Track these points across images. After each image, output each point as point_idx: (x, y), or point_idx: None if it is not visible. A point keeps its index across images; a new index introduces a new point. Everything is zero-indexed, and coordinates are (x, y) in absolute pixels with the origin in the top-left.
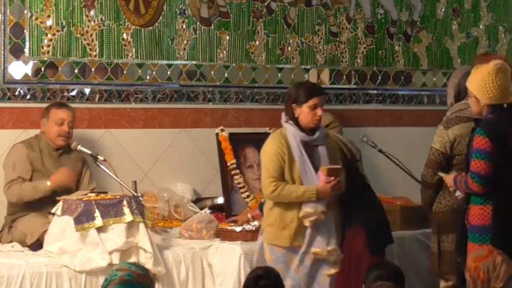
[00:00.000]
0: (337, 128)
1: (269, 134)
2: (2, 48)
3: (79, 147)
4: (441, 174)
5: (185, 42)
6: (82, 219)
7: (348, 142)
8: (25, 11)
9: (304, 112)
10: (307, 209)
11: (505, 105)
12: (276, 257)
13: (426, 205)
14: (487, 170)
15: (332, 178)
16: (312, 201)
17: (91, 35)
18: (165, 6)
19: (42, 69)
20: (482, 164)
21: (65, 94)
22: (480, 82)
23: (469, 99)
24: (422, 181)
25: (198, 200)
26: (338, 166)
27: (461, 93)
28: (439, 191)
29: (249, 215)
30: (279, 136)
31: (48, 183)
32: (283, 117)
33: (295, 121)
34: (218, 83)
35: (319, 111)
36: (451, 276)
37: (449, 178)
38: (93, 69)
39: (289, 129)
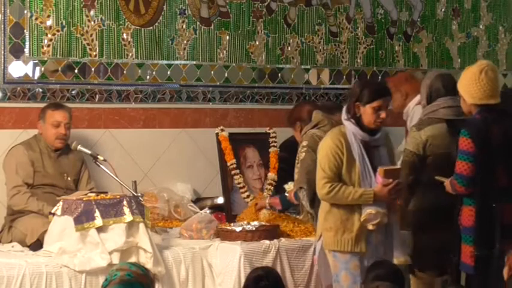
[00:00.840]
0: (325, 127)
1: (269, 134)
2: (2, 48)
3: (79, 147)
4: (440, 178)
5: (185, 42)
6: (82, 219)
7: None
8: (25, 11)
9: (367, 112)
10: (369, 209)
11: (494, 103)
12: (341, 264)
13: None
14: (469, 171)
15: (390, 180)
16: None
17: (91, 35)
18: (165, 6)
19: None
20: (465, 165)
21: (65, 94)
22: (465, 82)
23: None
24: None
25: (198, 200)
26: (396, 167)
27: (433, 95)
28: (413, 191)
29: (267, 201)
30: (337, 134)
31: (50, 216)
32: (344, 114)
33: (357, 120)
34: (218, 83)
35: (383, 114)
36: (427, 272)
37: (447, 183)
38: (93, 69)
39: (350, 127)
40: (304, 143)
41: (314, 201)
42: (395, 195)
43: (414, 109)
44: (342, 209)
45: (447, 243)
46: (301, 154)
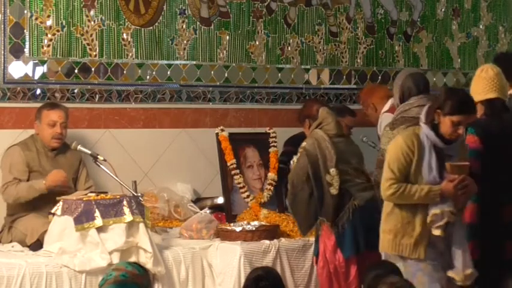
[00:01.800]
0: (329, 126)
1: (269, 134)
2: (2, 48)
3: (79, 147)
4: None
5: (185, 42)
6: (82, 219)
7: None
8: (25, 11)
9: (445, 123)
10: (434, 210)
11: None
12: (410, 269)
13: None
14: (476, 167)
15: (456, 176)
16: (438, 202)
17: (91, 35)
18: (165, 6)
19: (76, 70)
20: (473, 162)
21: (65, 94)
22: (472, 85)
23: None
24: (374, 182)
25: (198, 200)
26: (465, 163)
27: (405, 95)
28: None
29: None
30: (411, 135)
31: (44, 182)
32: (424, 116)
33: (434, 125)
34: (218, 83)
35: (460, 130)
36: None
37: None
38: (93, 69)
39: (425, 130)
40: (303, 144)
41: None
42: (462, 192)
43: (382, 117)
44: (405, 210)
45: None
46: (298, 154)
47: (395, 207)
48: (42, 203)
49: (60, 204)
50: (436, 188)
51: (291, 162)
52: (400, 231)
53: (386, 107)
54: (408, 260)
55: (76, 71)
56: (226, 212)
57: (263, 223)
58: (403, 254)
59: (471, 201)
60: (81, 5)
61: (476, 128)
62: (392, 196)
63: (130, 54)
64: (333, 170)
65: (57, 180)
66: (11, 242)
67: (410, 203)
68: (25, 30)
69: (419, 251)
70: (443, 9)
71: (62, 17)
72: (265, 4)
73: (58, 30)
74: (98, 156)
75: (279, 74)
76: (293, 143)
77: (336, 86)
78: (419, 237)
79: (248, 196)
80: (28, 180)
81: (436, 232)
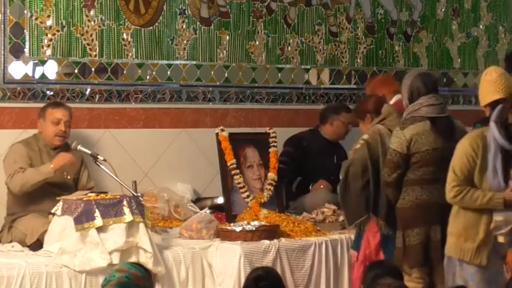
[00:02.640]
0: (392, 122)
1: (269, 134)
2: (2, 48)
3: (79, 147)
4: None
5: (185, 42)
6: (82, 219)
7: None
8: (25, 11)
9: None
10: (497, 217)
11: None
12: (466, 274)
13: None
14: None
15: None
16: (502, 209)
17: (91, 35)
18: (165, 6)
19: (94, 70)
20: None
21: (65, 94)
22: (479, 88)
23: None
24: (382, 181)
25: (198, 200)
26: None
27: (414, 95)
28: (399, 189)
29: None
30: (477, 137)
31: (51, 166)
32: (495, 115)
33: (505, 124)
34: (218, 83)
35: None
36: (414, 269)
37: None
38: (93, 69)
39: (493, 130)
40: (365, 136)
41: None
42: None
43: None
44: (470, 212)
45: (438, 239)
46: (357, 145)
47: (460, 209)
48: (43, 203)
49: (60, 204)
50: (499, 195)
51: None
52: (463, 234)
53: (392, 101)
54: (466, 265)
55: (76, 71)
56: (226, 212)
57: (263, 223)
58: (464, 258)
59: None
60: (81, 5)
61: (484, 124)
62: (455, 199)
63: (130, 54)
64: None
65: (63, 160)
66: (11, 242)
67: (473, 207)
68: (25, 30)
69: (481, 257)
70: (443, 9)
71: (62, 17)
72: (265, 4)
73: (58, 30)
74: (98, 156)
75: (279, 74)
76: (293, 144)
77: (336, 86)
78: (482, 242)
79: (248, 196)
80: None
81: (500, 239)
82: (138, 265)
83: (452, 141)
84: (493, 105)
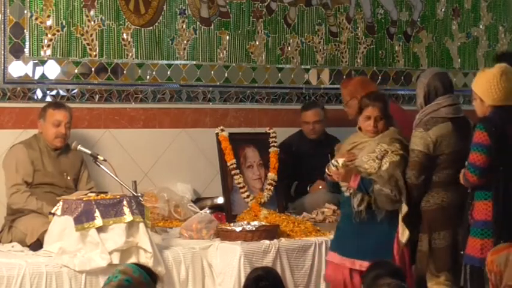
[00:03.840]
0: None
1: (269, 134)
2: (2, 48)
3: (79, 147)
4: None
5: (185, 42)
6: (82, 219)
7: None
8: (25, 11)
9: None
10: None
11: (506, 107)
12: None
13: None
14: (483, 162)
15: None
16: None
17: (91, 35)
18: (165, 6)
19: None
20: (479, 156)
21: (65, 94)
22: (485, 84)
23: (474, 102)
24: (407, 183)
25: (198, 200)
26: None
27: (431, 94)
28: (424, 191)
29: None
30: None
31: (50, 214)
32: None
33: None
34: (218, 83)
35: None
36: (443, 273)
37: (460, 174)
38: (93, 69)
39: None
40: None
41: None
42: None
43: None
44: None
45: (462, 241)
46: None
47: None
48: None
49: (60, 204)
50: None
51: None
52: None
53: None
54: None
55: (76, 71)
56: (226, 212)
57: (263, 223)
58: None
59: (482, 199)
60: (81, 5)
61: (486, 125)
62: None
63: (130, 54)
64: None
65: None
66: (11, 241)
67: None
68: (25, 30)
69: None
70: (443, 9)
71: (62, 17)
72: (265, 4)
73: (58, 30)
74: (98, 156)
75: (279, 74)
76: (283, 150)
77: (336, 86)
78: None
79: (248, 196)
80: (33, 181)
81: None
82: (145, 269)
83: (468, 144)
84: (502, 107)
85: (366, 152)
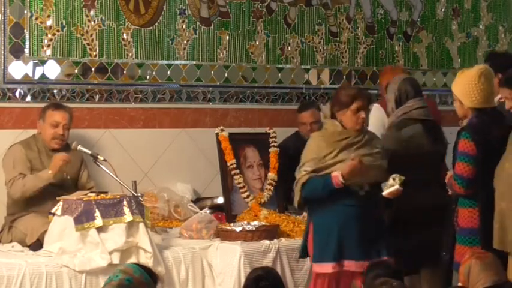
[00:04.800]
0: None
1: (269, 134)
2: (2, 48)
3: (79, 147)
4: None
5: (185, 42)
6: (82, 219)
7: None
8: (25, 11)
9: None
10: None
11: (488, 109)
12: None
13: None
14: (470, 172)
15: None
16: None
17: (91, 35)
18: (165, 6)
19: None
20: (465, 167)
21: (65, 94)
22: (464, 86)
23: (454, 103)
24: None
25: (198, 200)
26: None
27: (402, 97)
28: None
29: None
30: None
31: (50, 171)
32: None
33: None
34: (218, 83)
35: None
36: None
37: (447, 178)
38: (93, 69)
39: None
40: None
41: None
42: None
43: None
44: None
45: (435, 241)
46: None
47: None
48: (43, 203)
49: (60, 204)
50: None
51: None
52: None
53: None
54: None
55: (76, 71)
56: (226, 212)
57: (263, 223)
58: None
59: (467, 206)
60: (81, 5)
61: (471, 133)
62: None
63: (130, 54)
64: None
65: (59, 162)
66: (11, 241)
67: None
68: (25, 30)
69: None
70: (443, 9)
71: (62, 17)
72: (265, 4)
73: (58, 30)
74: (98, 156)
75: (279, 74)
76: (280, 154)
77: (336, 86)
78: None
79: (248, 196)
80: None
81: None
82: (146, 269)
83: (438, 145)
84: (483, 110)
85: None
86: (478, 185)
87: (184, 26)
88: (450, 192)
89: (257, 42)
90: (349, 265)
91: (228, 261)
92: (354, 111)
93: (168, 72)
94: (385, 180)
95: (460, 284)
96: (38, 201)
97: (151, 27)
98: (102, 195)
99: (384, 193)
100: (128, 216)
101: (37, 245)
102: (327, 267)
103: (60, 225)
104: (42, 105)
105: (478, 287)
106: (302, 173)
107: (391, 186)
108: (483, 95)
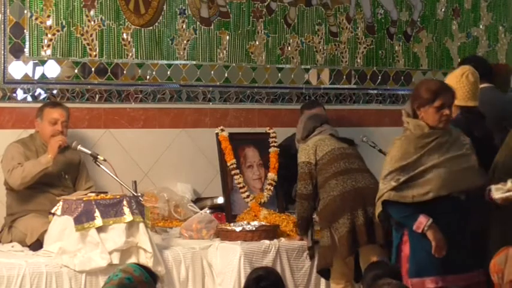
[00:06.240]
0: None
1: (269, 134)
2: (2, 48)
3: (79, 147)
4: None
5: (185, 42)
6: (82, 219)
7: None
8: (25, 11)
9: None
10: None
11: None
12: None
13: (303, 218)
14: None
15: None
16: None
17: (91, 35)
18: (165, 6)
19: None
20: None
21: (65, 94)
22: (449, 85)
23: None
24: (298, 195)
25: (198, 200)
26: None
27: (310, 131)
28: (315, 201)
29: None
30: None
31: (49, 155)
32: None
33: None
34: (218, 83)
35: None
36: (349, 258)
37: None
38: (93, 69)
39: None
40: None
41: None
42: None
43: None
44: None
45: (362, 223)
46: None
47: None
48: (43, 202)
49: (60, 204)
50: None
51: None
52: None
53: None
54: None
55: (76, 71)
56: (226, 212)
57: (263, 223)
58: None
59: None
60: (81, 5)
61: (456, 127)
62: None
63: (130, 54)
64: None
65: (56, 144)
66: (11, 241)
67: None
68: (25, 30)
69: None
70: (443, 9)
71: (62, 17)
72: (265, 4)
73: (58, 30)
74: (98, 156)
75: (279, 74)
76: (281, 154)
77: (336, 86)
78: None
79: (248, 196)
80: None
81: None
82: (146, 269)
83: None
84: (467, 109)
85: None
86: None
87: (184, 26)
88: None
89: (257, 42)
90: (454, 280)
91: (228, 261)
92: (437, 108)
93: (168, 72)
94: (482, 182)
95: (492, 274)
96: (38, 201)
97: (151, 27)
98: (102, 195)
99: (497, 196)
100: (128, 216)
101: (37, 245)
102: (429, 283)
103: (60, 225)
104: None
105: None
106: (392, 184)
107: (509, 190)
108: (465, 92)
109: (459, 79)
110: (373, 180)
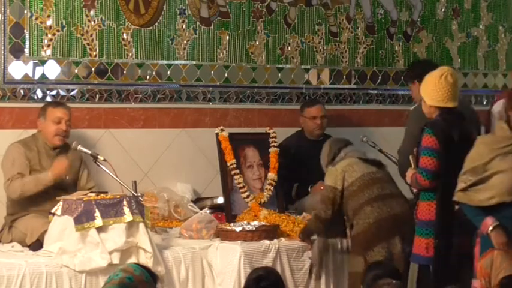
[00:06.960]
0: None
1: (269, 134)
2: (2, 48)
3: (79, 147)
4: (411, 159)
5: (185, 42)
6: (82, 219)
7: None
8: (25, 11)
9: None
10: None
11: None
12: None
13: (310, 231)
14: (434, 165)
15: None
16: None
17: (91, 35)
18: (165, 6)
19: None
20: (429, 160)
21: (65, 94)
22: (427, 85)
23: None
24: (316, 216)
25: (198, 200)
26: None
27: (335, 154)
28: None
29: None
30: None
31: (50, 174)
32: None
33: None
34: (218, 83)
35: None
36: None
37: (408, 174)
38: (93, 69)
39: None
40: None
41: None
42: None
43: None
44: None
45: (399, 251)
46: None
47: None
48: (43, 202)
49: (60, 204)
50: None
51: None
52: None
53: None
54: None
55: (76, 71)
56: (226, 212)
57: (263, 223)
58: None
59: (424, 199)
60: (81, 5)
61: (434, 129)
62: None
63: (130, 54)
64: None
65: (61, 167)
66: (11, 241)
67: None
68: (25, 30)
69: None
70: (443, 9)
71: (62, 17)
72: (265, 4)
73: (58, 30)
74: (98, 156)
75: (279, 74)
76: (281, 153)
77: (336, 86)
78: None
79: (248, 196)
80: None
81: None
82: (146, 269)
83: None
84: (447, 110)
85: None
86: (437, 180)
87: (184, 26)
88: (414, 190)
89: (257, 42)
90: None
91: (228, 261)
92: None
93: (168, 72)
94: None
95: (480, 278)
96: (38, 201)
97: (151, 27)
98: (102, 195)
99: None
100: (128, 216)
101: (37, 245)
102: None
103: (60, 225)
104: (42, 105)
105: (500, 276)
106: (462, 186)
107: None
108: (441, 93)
109: (438, 80)
110: (407, 204)
